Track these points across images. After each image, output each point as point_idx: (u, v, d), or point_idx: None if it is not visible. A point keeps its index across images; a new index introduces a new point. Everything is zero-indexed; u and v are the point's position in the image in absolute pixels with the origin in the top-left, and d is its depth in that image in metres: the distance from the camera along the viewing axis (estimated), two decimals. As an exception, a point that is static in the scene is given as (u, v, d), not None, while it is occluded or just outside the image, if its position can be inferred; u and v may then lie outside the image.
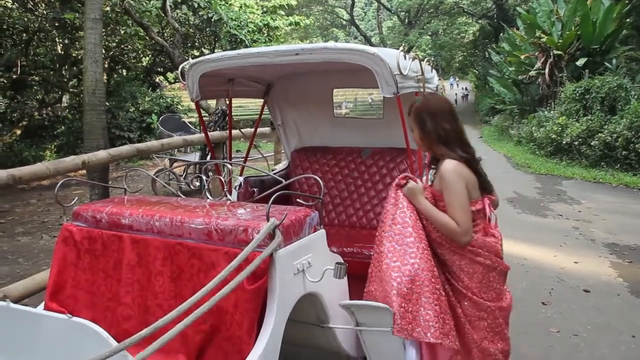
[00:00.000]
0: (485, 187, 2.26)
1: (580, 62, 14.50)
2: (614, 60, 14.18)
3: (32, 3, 13.83)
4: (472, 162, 2.20)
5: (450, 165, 2.14)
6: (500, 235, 2.29)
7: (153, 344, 1.41)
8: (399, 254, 2.11)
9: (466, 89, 38.93)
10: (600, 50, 15.01)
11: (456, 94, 39.70)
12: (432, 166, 2.33)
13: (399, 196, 2.23)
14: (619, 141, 11.03)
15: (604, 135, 11.45)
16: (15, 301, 2.32)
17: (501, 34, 24.93)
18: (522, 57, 17.14)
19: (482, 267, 2.19)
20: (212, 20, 14.42)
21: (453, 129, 2.21)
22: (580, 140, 12.10)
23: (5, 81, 14.34)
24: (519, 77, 18.02)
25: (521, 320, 3.91)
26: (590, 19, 14.58)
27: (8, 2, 13.66)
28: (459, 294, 2.20)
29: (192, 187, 8.63)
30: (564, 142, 12.65)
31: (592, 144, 11.73)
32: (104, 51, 8.69)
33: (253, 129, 4.21)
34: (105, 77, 11.28)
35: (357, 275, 2.38)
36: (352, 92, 29.95)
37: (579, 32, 14.95)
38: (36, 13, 13.94)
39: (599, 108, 12.33)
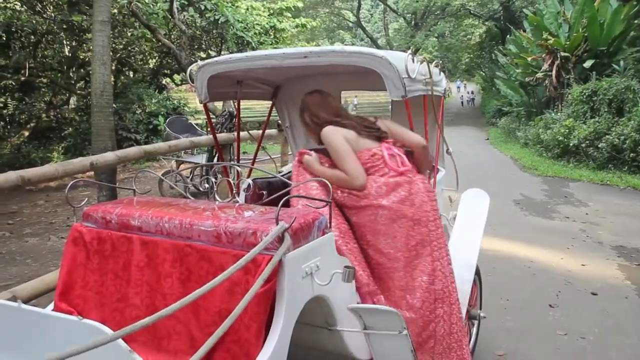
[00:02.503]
0: (379, 138, 2.51)
1: (588, 64, 14.44)
2: (621, 62, 14.10)
3: (40, 6, 13.93)
4: (344, 124, 2.50)
5: (326, 129, 2.47)
6: (406, 175, 2.40)
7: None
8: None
9: (472, 92, 38.60)
10: (607, 52, 14.93)
11: (462, 96, 39.41)
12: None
13: (300, 170, 2.53)
14: (626, 143, 10.97)
15: (611, 138, 11.39)
16: (24, 302, 2.33)
17: (508, 36, 24.88)
18: (529, 59, 17.07)
19: (381, 217, 2.31)
20: (219, 22, 14.46)
21: (323, 113, 2.62)
22: (587, 142, 12.04)
23: (13, 83, 14.47)
24: (526, 79, 17.95)
25: (528, 322, 3.91)
26: (598, 21, 14.51)
27: (17, 4, 13.76)
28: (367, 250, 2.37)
29: (201, 189, 8.67)
30: (571, 144, 12.59)
31: (599, 146, 11.68)
32: (111, 53, 8.73)
33: (261, 131, 4.21)
34: (112, 79, 11.33)
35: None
36: (358, 93, 29.92)
37: (586, 34, 14.88)
38: (44, 15, 14.04)
39: (606, 110, 12.28)
